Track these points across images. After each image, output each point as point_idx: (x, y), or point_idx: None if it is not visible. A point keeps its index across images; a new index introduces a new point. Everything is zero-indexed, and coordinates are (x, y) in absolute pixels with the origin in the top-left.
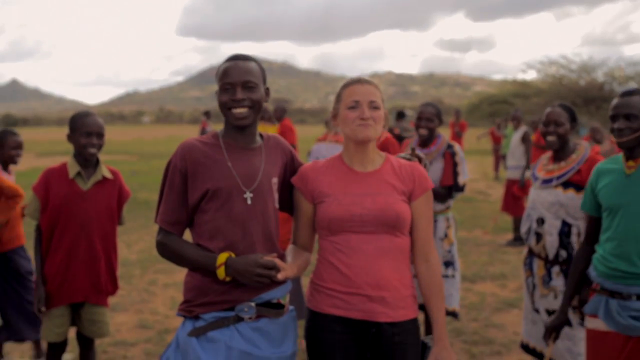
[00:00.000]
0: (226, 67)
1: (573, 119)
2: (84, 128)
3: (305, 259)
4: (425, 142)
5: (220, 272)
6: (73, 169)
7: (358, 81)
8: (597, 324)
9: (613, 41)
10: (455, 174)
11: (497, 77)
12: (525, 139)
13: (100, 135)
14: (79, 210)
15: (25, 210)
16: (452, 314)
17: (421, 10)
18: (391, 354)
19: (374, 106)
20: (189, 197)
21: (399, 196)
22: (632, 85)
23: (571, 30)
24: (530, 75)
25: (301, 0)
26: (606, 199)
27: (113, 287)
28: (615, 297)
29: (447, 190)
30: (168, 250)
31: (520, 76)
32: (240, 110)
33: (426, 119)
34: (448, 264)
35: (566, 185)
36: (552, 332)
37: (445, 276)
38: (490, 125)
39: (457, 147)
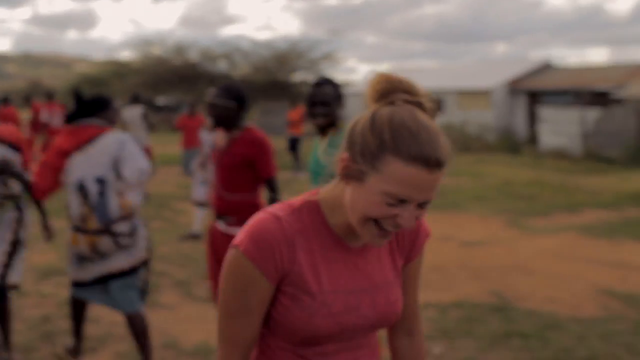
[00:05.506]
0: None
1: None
2: None
3: None
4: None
5: None
6: None
7: (428, 164)
8: None
9: (208, 23)
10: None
11: (100, 56)
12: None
13: None
14: None
15: None
16: None
17: None
18: None
19: (425, 204)
20: None
21: (398, 281)
22: (223, 64)
23: (168, 11)
24: (129, 56)
25: None
26: None
27: None
28: None
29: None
30: None
31: (120, 56)
32: None
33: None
34: None
35: None
36: None
37: None
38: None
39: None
